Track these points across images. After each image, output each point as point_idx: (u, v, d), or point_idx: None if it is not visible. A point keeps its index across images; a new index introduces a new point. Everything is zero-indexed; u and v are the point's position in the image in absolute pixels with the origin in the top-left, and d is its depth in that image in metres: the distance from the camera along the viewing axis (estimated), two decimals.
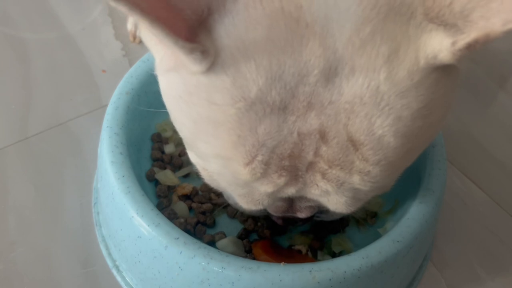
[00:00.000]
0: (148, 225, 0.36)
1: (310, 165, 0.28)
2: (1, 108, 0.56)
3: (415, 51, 0.25)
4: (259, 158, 0.27)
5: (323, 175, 0.28)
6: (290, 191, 0.30)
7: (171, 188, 0.46)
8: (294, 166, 0.28)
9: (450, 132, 0.58)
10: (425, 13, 0.25)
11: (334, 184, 0.29)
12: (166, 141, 0.49)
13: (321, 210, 0.36)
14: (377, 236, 0.39)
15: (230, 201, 0.38)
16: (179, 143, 0.48)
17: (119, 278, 0.42)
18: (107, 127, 0.41)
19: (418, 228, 0.38)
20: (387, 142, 0.27)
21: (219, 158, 0.29)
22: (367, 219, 0.46)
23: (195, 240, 0.35)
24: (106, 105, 0.45)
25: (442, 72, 0.27)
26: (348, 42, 0.25)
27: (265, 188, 0.29)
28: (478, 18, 0.24)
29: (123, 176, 0.38)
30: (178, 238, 0.35)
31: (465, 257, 0.48)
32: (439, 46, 0.25)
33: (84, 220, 0.47)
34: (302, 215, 0.35)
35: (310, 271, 0.35)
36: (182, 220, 0.44)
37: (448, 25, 0.25)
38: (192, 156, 0.34)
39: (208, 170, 0.32)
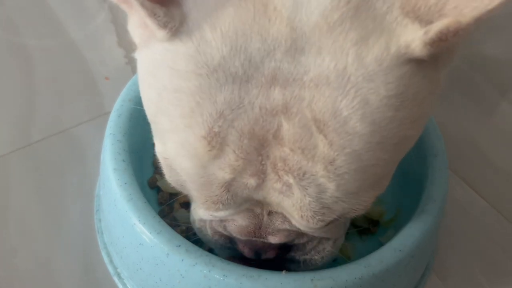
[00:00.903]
0: (150, 233, 0.36)
1: (271, 149, 0.27)
2: (4, 114, 0.56)
3: (387, 40, 0.25)
4: (216, 129, 0.26)
5: (284, 162, 0.27)
6: (250, 183, 0.28)
7: (173, 196, 0.46)
8: (254, 148, 0.27)
9: (452, 141, 0.58)
10: (401, 7, 0.25)
11: (295, 174, 0.27)
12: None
13: (297, 244, 0.34)
14: (379, 245, 0.39)
15: (195, 224, 0.37)
16: None
17: (120, 286, 0.42)
18: (110, 134, 0.41)
19: (420, 237, 0.38)
20: (353, 126, 0.26)
21: (177, 133, 0.28)
22: (369, 228, 0.46)
23: (196, 248, 0.35)
24: (108, 112, 0.45)
25: (417, 70, 0.26)
26: (315, 26, 0.25)
27: (222, 173, 0.27)
28: (451, 10, 0.24)
29: (125, 183, 0.38)
30: (179, 246, 0.35)
31: (467, 266, 0.48)
32: (412, 36, 0.25)
33: (86, 227, 0.47)
34: (274, 239, 0.32)
35: (312, 279, 0.34)
36: (183, 227, 0.43)
37: (423, 20, 0.25)
38: (156, 143, 0.32)
39: (168, 159, 0.30)
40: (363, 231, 0.46)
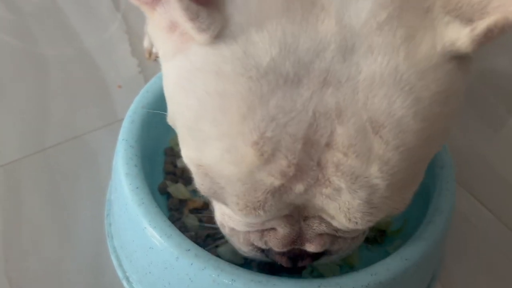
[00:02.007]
0: (160, 236, 0.37)
1: (323, 155, 0.26)
2: (19, 119, 0.57)
3: (432, 38, 0.26)
4: (268, 134, 0.25)
5: (337, 167, 0.26)
6: (298, 188, 0.27)
7: (182, 202, 0.47)
8: (306, 153, 0.26)
9: (459, 154, 0.58)
10: (443, 6, 0.26)
11: (348, 178, 0.26)
12: (179, 155, 0.49)
13: (331, 249, 0.33)
14: (385, 254, 0.40)
15: (225, 230, 0.35)
16: None
17: None
18: (123, 139, 0.42)
19: (426, 247, 0.38)
20: (407, 124, 0.25)
21: (223, 139, 0.26)
22: (376, 237, 0.46)
23: (206, 252, 0.36)
24: (121, 119, 0.46)
25: (458, 65, 0.27)
26: (365, 23, 0.25)
27: (272, 179, 0.26)
28: (495, 8, 0.24)
29: (137, 188, 0.39)
30: (189, 250, 0.36)
31: (473, 278, 0.48)
32: (457, 34, 0.25)
33: (96, 231, 0.48)
34: (312, 247, 0.32)
35: (319, 286, 0.35)
36: (192, 233, 0.44)
37: (464, 19, 0.25)
38: (187, 152, 0.30)
39: (203, 166, 0.28)
40: (370, 240, 0.46)
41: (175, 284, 0.37)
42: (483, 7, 0.25)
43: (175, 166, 0.49)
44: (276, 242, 0.31)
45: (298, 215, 0.30)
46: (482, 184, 0.55)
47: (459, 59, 0.27)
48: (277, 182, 0.26)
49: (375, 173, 0.26)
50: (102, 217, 0.48)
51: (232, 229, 0.34)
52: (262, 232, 0.32)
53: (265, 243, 0.33)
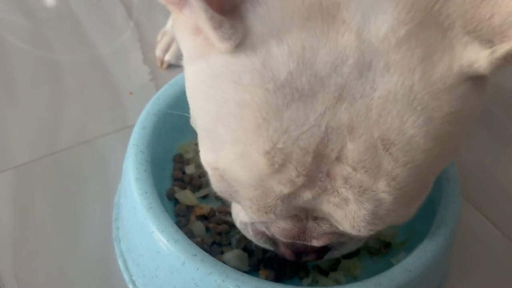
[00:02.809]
0: (168, 241, 0.37)
1: (332, 167, 0.27)
2: (32, 123, 0.58)
3: (449, 58, 0.26)
4: (280, 145, 0.26)
5: (346, 180, 0.27)
6: (306, 196, 0.28)
7: (189, 208, 0.47)
8: (316, 166, 0.27)
9: (467, 169, 0.58)
10: (463, 26, 0.26)
11: (356, 191, 0.27)
12: (187, 162, 0.50)
13: (335, 246, 0.35)
14: (389, 266, 0.40)
15: (237, 223, 0.37)
16: (200, 165, 0.50)
17: None
18: (134, 145, 0.43)
19: (430, 259, 0.38)
20: (417, 143, 0.26)
21: (237, 145, 0.27)
22: (380, 249, 0.46)
23: (212, 258, 0.37)
24: (131, 126, 0.47)
25: (473, 86, 0.27)
26: (384, 39, 0.25)
27: (281, 187, 0.27)
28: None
29: (146, 193, 0.40)
30: (195, 255, 0.37)
31: None
32: (476, 56, 0.26)
33: (104, 235, 0.48)
34: (316, 242, 0.33)
35: None
36: (198, 239, 0.45)
37: (484, 40, 0.26)
38: (205, 154, 0.31)
39: (219, 169, 0.30)
40: (374, 252, 0.46)
41: None
42: (504, 30, 0.25)
43: (184, 172, 0.50)
44: (278, 231, 0.33)
45: (306, 214, 0.31)
46: (488, 199, 0.56)
47: (475, 80, 0.27)
48: (286, 190, 0.28)
49: (382, 188, 0.27)
50: (110, 220, 0.49)
51: (241, 222, 0.36)
52: (270, 224, 0.34)
53: (269, 230, 0.34)
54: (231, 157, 0.28)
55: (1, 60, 0.65)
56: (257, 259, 0.44)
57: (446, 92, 0.26)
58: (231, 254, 0.44)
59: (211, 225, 0.46)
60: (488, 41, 0.26)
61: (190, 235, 0.45)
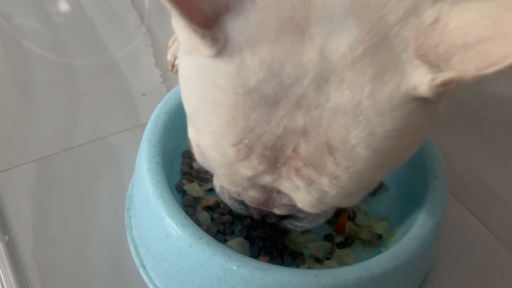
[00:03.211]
0: (176, 225, 0.41)
1: (288, 160, 0.32)
2: (51, 120, 0.63)
3: (399, 79, 0.29)
4: (246, 141, 0.31)
5: (297, 171, 0.32)
6: (266, 179, 0.33)
7: (196, 199, 0.51)
8: (274, 157, 0.32)
9: (457, 169, 0.62)
10: (416, 50, 0.29)
11: (305, 181, 0.32)
12: (195, 157, 0.54)
13: (296, 215, 0.40)
14: None
15: (216, 189, 0.43)
16: None
17: (144, 276, 0.47)
18: (147, 140, 0.47)
19: (416, 247, 0.42)
20: (358, 152, 0.30)
21: (212, 135, 0.32)
22: (372, 240, 0.50)
23: (216, 241, 0.40)
24: (143, 124, 0.51)
25: (421, 105, 0.30)
26: (342, 57, 0.29)
27: (246, 171, 0.32)
28: (457, 62, 0.27)
29: (158, 182, 0.44)
30: (201, 238, 0.40)
31: (464, 284, 0.51)
32: (421, 80, 0.29)
33: (117, 223, 0.52)
34: (277, 211, 0.38)
35: (316, 276, 0.39)
36: (204, 228, 0.48)
37: (432, 64, 0.28)
38: (191, 132, 0.36)
39: (200, 146, 0.35)
40: (366, 243, 0.50)
41: (187, 270, 0.41)
42: (447, 59, 0.28)
43: (191, 167, 0.54)
44: (248, 199, 0.38)
45: (271, 187, 0.36)
46: (476, 197, 0.59)
47: (422, 101, 0.30)
48: (249, 173, 0.33)
49: (326, 183, 0.32)
50: (123, 211, 0.53)
51: (220, 187, 0.42)
52: (242, 192, 0.39)
53: (240, 197, 0.40)
54: (207, 142, 0.33)
55: (22, 64, 0.70)
56: (257, 247, 0.48)
57: (390, 110, 0.29)
58: (234, 242, 0.47)
59: (215, 216, 0.50)
60: (436, 66, 0.28)
61: (197, 224, 0.48)
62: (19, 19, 0.77)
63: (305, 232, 0.50)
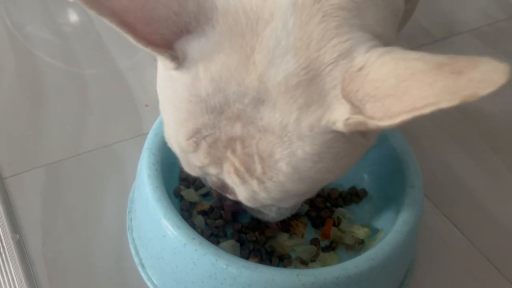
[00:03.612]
0: (172, 227, 0.45)
1: (227, 159, 0.38)
2: (60, 128, 0.67)
3: (323, 112, 0.34)
4: (194, 139, 0.37)
5: (235, 169, 0.38)
6: (212, 171, 0.39)
7: (192, 204, 0.55)
8: (216, 155, 0.38)
9: (438, 179, 0.66)
10: (342, 89, 0.34)
11: (240, 180, 0.38)
12: None
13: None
14: None
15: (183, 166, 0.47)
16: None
17: (143, 274, 0.51)
18: (147, 148, 0.51)
19: (391, 251, 0.46)
20: (281, 166, 0.36)
21: (172, 129, 0.39)
22: (354, 245, 0.54)
23: (208, 242, 0.44)
24: (145, 133, 0.55)
25: (340, 137, 0.35)
26: (278, 85, 0.34)
27: (195, 162, 0.39)
28: (368, 109, 0.32)
29: (157, 187, 0.48)
30: (194, 239, 0.44)
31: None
32: (340, 117, 0.33)
33: (119, 225, 0.56)
34: (230, 196, 0.43)
35: (297, 275, 0.43)
36: (199, 230, 0.52)
37: (354, 105, 0.33)
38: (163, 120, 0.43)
39: (167, 133, 0.42)
40: (349, 247, 0.54)
41: (181, 267, 0.45)
42: (363, 104, 0.32)
43: (189, 174, 0.58)
44: (210, 181, 0.44)
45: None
46: (456, 205, 0.63)
47: (343, 133, 0.34)
48: (198, 164, 0.40)
49: (255, 186, 0.38)
50: (125, 213, 0.57)
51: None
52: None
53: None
54: (169, 133, 0.41)
55: (33, 72, 0.74)
56: (248, 249, 0.52)
57: (310, 137, 0.35)
58: (226, 244, 0.52)
59: (209, 220, 0.54)
60: (357, 107, 0.33)
61: (192, 227, 0.52)
62: (30, 29, 0.81)
63: (292, 236, 0.54)
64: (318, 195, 0.57)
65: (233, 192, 0.42)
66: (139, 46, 0.33)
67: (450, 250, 0.59)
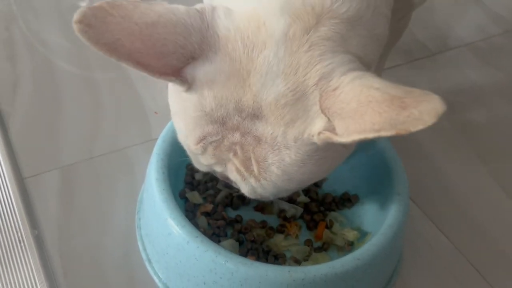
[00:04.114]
0: (177, 225, 0.50)
1: (230, 160, 0.45)
2: (74, 132, 0.72)
3: (306, 126, 0.40)
4: (202, 144, 0.44)
5: (236, 169, 0.45)
6: (217, 169, 0.47)
7: (196, 206, 0.60)
8: (221, 156, 0.45)
9: (429, 189, 0.70)
10: (320, 105, 0.39)
11: (240, 176, 0.45)
12: (197, 170, 0.63)
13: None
14: None
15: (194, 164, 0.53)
16: (206, 172, 0.63)
17: (149, 268, 0.56)
18: (156, 153, 0.56)
19: (375, 252, 0.50)
20: (272, 169, 0.43)
21: (183, 135, 0.46)
22: (345, 246, 0.58)
23: (209, 240, 0.49)
24: (155, 139, 0.59)
25: (320, 147, 0.41)
26: (268, 104, 0.41)
27: (203, 161, 0.46)
28: (336, 125, 0.38)
29: (164, 190, 0.53)
30: (197, 237, 0.49)
31: None
32: (316, 130, 0.40)
33: (128, 223, 0.61)
34: (234, 185, 0.49)
35: (289, 271, 0.47)
36: (202, 230, 0.57)
37: (329, 120, 0.39)
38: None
39: (180, 138, 0.48)
40: (340, 248, 0.58)
41: (184, 262, 0.50)
42: (333, 120, 0.38)
43: (193, 178, 0.62)
44: (218, 174, 0.50)
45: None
46: (443, 212, 0.67)
47: (323, 144, 0.40)
48: (206, 163, 0.47)
49: (253, 183, 0.45)
50: (134, 213, 0.62)
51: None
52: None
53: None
54: (181, 138, 0.47)
55: (50, 78, 0.79)
56: (246, 248, 0.57)
57: (295, 147, 0.41)
58: (226, 243, 0.56)
59: (211, 221, 0.59)
60: (330, 122, 0.39)
61: (196, 226, 0.57)
62: (46, 35, 0.86)
63: (288, 237, 0.59)
64: (313, 199, 0.62)
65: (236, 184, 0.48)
66: (154, 77, 0.39)
67: (436, 254, 0.63)
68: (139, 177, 0.65)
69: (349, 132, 0.37)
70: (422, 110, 0.33)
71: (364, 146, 0.62)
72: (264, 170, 0.43)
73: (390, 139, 0.73)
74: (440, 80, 0.86)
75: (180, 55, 0.39)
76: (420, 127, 0.33)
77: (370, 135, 0.35)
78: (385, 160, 0.59)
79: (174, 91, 0.45)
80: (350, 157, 0.64)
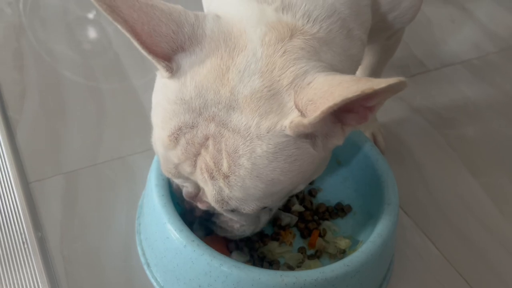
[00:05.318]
0: (175, 230, 0.52)
1: (201, 155, 0.45)
2: (78, 140, 0.74)
3: (279, 119, 0.42)
4: (175, 135, 0.44)
5: (206, 165, 0.45)
6: (187, 168, 0.46)
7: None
8: (191, 151, 0.45)
9: (421, 201, 0.72)
10: (294, 100, 0.42)
11: (209, 174, 0.45)
12: None
13: (214, 214, 0.52)
14: None
15: (173, 185, 0.54)
16: None
17: (148, 272, 0.58)
18: (156, 161, 0.59)
19: (364, 259, 0.52)
20: (242, 161, 0.43)
21: (158, 128, 0.46)
22: (337, 254, 0.60)
23: (205, 244, 0.51)
24: None
25: (291, 142, 0.43)
26: (244, 98, 0.43)
27: (173, 158, 0.46)
28: (308, 111, 0.40)
29: (163, 195, 0.55)
30: (193, 241, 0.51)
31: None
32: (289, 121, 0.41)
33: (128, 228, 0.63)
34: (200, 205, 0.50)
35: (281, 275, 0.49)
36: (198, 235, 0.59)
37: (301, 112, 0.41)
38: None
39: (154, 136, 0.48)
40: (332, 256, 0.60)
41: (181, 265, 0.52)
42: (304, 109, 0.41)
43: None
44: (185, 192, 0.51)
45: (200, 186, 0.49)
46: (434, 226, 0.69)
47: (294, 138, 0.43)
48: (175, 160, 0.46)
49: (221, 180, 0.45)
50: (134, 218, 0.64)
51: (175, 183, 0.54)
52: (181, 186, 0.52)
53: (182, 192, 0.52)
54: (156, 134, 0.48)
55: (56, 87, 0.82)
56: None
57: (267, 137, 0.43)
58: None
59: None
60: (303, 113, 0.41)
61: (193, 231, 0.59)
62: (53, 46, 0.89)
63: (282, 244, 0.61)
64: (307, 208, 0.64)
65: (203, 200, 0.49)
66: (143, 52, 0.41)
67: (426, 264, 0.65)
68: (140, 183, 0.68)
69: (318, 109, 0.38)
70: (387, 79, 0.36)
71: (357, 159, 0.65)
72: (234, 162, 0.43)
73: (382, 152, 0.75)
74: (435, 96, 0.89)
75: (170, 40, 0.42)
76: (382, 85, 0.35)
77: (338, 100, 0.37)
78: (377, 173, 0.61)
79: (158, 82, 0.47)
80: (343, 169, 0.67)
